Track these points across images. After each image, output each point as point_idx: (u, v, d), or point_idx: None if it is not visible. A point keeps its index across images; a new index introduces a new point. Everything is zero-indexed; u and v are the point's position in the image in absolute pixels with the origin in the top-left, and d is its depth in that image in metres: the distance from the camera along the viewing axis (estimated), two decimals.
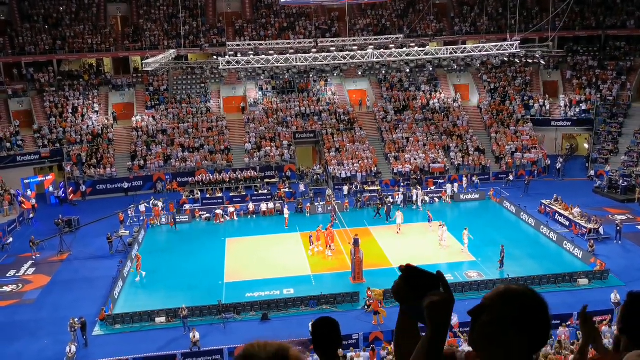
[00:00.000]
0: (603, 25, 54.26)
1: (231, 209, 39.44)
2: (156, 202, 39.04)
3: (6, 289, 29.87)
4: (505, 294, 2.05)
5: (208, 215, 39.16)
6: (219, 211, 38.89)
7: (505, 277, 28.25)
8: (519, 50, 41.16)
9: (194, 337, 23.47)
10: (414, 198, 40.27)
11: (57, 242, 34.07)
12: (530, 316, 2.02)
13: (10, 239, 35.58)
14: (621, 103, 49.31)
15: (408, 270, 2.06)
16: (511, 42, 39.96)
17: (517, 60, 47.46)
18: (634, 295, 2.94)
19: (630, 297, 2.96)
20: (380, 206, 38.57)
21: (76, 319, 24.12)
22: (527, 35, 46.05)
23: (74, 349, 22.95)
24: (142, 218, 38.37)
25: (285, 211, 37.98)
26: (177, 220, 38.47)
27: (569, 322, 23.64)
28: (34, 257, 33.29)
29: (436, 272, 2.04)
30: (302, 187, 43.10)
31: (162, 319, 25.72)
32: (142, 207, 38.87)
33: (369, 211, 39.65)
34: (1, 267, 32.64)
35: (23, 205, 40.89)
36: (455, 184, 42.42)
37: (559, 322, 22.87)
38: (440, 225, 33.42)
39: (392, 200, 39.94)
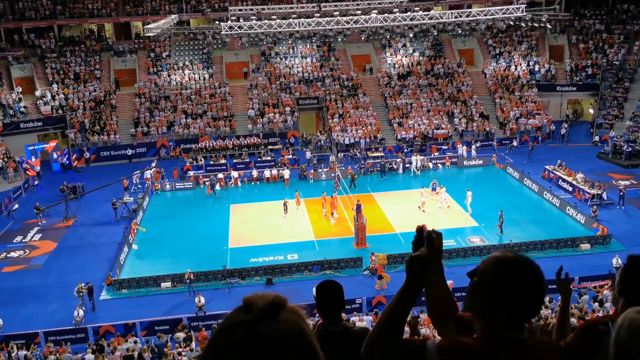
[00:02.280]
0: None
1: (234, 174, 39.46)
2: (152, 167, 39.26)
3: (13, 254, 30.25)
4: (497, 259, 2.13)
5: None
6: (221, 175, 38.95)
7: (507, 242, 28.40)
8: (525, 13, 40.64)
9: (200, 301, 23.83)
10: (413, 165, 40.08)
11: (63, 208, 34.34)
12: (514, 282, 2.07)
13: (16, 206, 35.85)
14: (627, 68, 48.78)
15: (421, 230, 2.33)
16: (517, 6, 39.45)
17: (522, 24, 46.81)
18: (634, 258, 3.00)
19: (630, 260, 3.01)
20: (355, 176, 37.89)
21: (83, 284, 24.47)
22: None
23: (81, 313, 23.39)
24: (146, 185, 38.53)
25: (286, 172, 38.23)
26: (180, 186, 38.70)
27: (570, 286, 23.85)
28: (39, 224, 33.60)
29: (426, 232, 2.27)
30: (308, 154, 43.00)
31: (168, 284, 26.08)
32: (147, 174, 39.01)
33: (372, 177, 39.74)
34: (8, 233, 33.00)
35: (28, 172, 41.07)
36: (473, 146, 42.36)
37: None
38: (440, 188, 33.65)
39: (394, 167, 40.00)
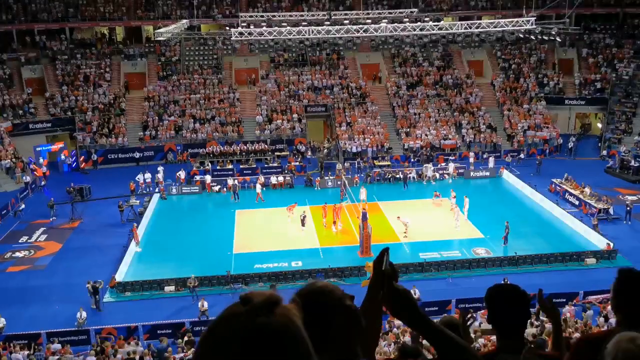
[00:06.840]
0: (622, 2, 53.26)
1: (230, 182, 38.80)
2: (159, 171, 39.46)
3: (19, 254, 30.37)
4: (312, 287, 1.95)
5: (218, 186, 39.31)
6: (230, 182, 38.94)
7: (512, 254, 28.23)
8: (534, 26, 40.58)
9: (203, 306, 23.82)
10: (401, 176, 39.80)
11: (69, 209, 34.44)
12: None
13: (23, 206, 35.99)
14: (637, 82, 48.62)
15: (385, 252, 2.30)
16: (527, 18, 39.39)
17: (532, 37, 46.78)
18: (625, 272, 2.84)
19: (620, 274, 2.84)
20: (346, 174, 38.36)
21: (92, 282, 24.61)
22: (544, 12, 45.26)
23: (84, 314, 23.40)
24: (156, 189, 38.57)
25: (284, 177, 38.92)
26: (187, 190, 38.80)
27: (575, 301, 23.78)
28: (51, 221, 33.83)
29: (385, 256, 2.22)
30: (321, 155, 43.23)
31: (172, 288, 26.08)
32: (159, 177, 39.16)
33: (378, 186, 39.72)
34: (14, 233, 33.13)
35: (35, 172, 41.25)
36: (491, 157, 42.38)
37: (564, 300, 23.04)
38: (453, 203, 33.46)
39: (401, 177, 40.02)
